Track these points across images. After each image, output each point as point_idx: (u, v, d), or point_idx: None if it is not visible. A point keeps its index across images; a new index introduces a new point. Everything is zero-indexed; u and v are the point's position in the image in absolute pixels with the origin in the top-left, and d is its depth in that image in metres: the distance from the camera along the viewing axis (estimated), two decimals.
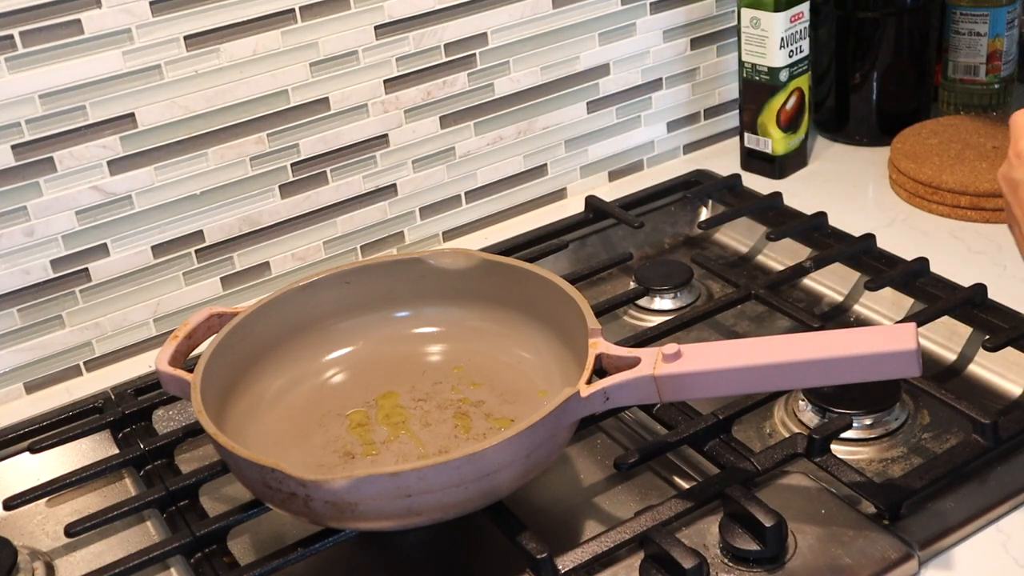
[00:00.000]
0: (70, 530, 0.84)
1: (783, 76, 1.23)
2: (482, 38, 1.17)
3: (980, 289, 0.98)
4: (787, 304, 1.01)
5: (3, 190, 0.99)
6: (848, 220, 1.15)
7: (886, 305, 1.04)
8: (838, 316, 1.06)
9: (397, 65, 1.13)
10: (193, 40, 1.03)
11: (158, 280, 1.09)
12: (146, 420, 0.98)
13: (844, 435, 0.86)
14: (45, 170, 1.00)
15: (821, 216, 1.13)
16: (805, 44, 1.24)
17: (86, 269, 1.05)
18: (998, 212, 1.13)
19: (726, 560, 0.76)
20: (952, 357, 0.97)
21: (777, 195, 1.18)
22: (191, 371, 0.83)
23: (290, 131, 1.10)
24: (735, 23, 1.31)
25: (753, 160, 1.30)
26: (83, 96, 1.00)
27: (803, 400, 0.90)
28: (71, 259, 1.04)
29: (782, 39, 1.21)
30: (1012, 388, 0.93)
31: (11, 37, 0.95)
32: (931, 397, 0.88)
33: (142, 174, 1.05)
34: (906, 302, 1.03)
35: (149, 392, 1.00)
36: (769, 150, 1.27)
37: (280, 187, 1.12)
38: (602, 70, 1.26)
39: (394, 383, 0.93)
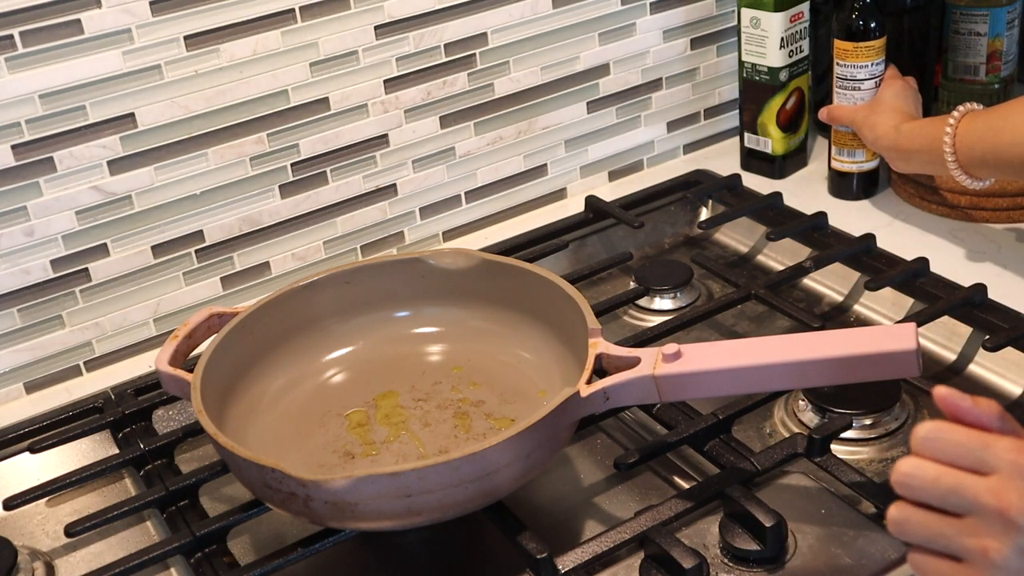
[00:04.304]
0: (70, 530, 0.84)
1: (783, 76, 1.23)
2: (482, 38, 1.17)
3: (980, 289, 0.98)
4: (787, 304, 1.01)
5: (3, 190, 0.99)
6: (848, 220, 1.15)
7: (886, 305, 1.04)
8: (838, 316, 1.06)
9: (397, 65, 1.13)
10: (193, 40, 1.03)
11: (158, 280, 1.09)
12: (146, 420, 0.98)
13: (844, 435, 0.86)
14: (45, 170, 1.00)
15: (821, 216, 1.13)
16: (805, 44, 1.24)
17: (86, 269, 1.05)
18: (998, 212, 1.13)
19: (726, 560, 0.76)
20: (952, 357, 0.97)
21: (777, 195, 1.18)
22: (191, 371, 0.83)
23: (290, 131, 1.10)
24: (735, 23, 1.31)
25: (753, 160, 1.30)
26: (83, 96, 1.00)
27: (803, 400, 0.90)
28: (71, 259, 1.04)
29: (782, 39, 1.21)
30: (1012, 388, 0.93)
31: (11, 37, 0.95)
32: (931, 397, 0.87)
33: (142, 174, 1.05)
34: (906, 302, 1.03)
35: (149, 392, 1.00)
36: (769, 150, 1.27)
37: (280, 187, 1.12)
38: (602, 70, 1.26)
39: (394, 383, 0.93)
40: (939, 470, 0.59)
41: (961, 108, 1.02)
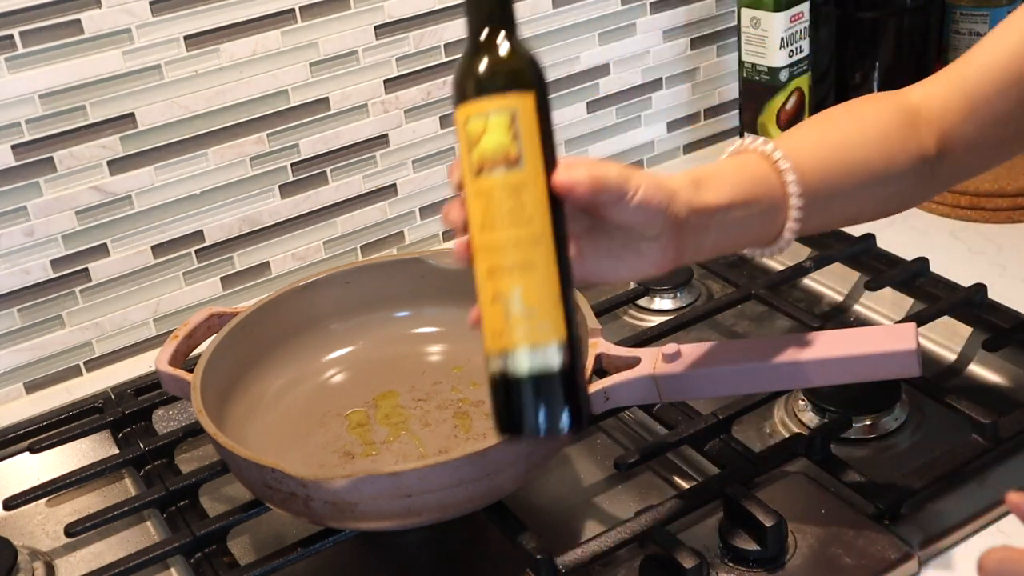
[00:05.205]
0: (70, 530, 0.84)
1: (783, 76, 1.23)
2: None
3: (980, 289, 0.98)
4: (787, 304, 1.01)
5: (3, 190, 0.99)
6: None
7: (886, 305, 1.04)
8: (838, 316, 1.05)
9: (397, 65, 1.13)
10: (193, 40, 1.03)
11: (158, 280, 1.09)
12: (146, 420, 0.98)
13: (844, 435, 0.86)
14: (45, 170, 1.00)
15: None
16: (805, 44, 1.24)
17: (86, 269, 1.05)
18: (998, 212, 1.13)
19: (726, 560, 0.76)
20: (952, 357, 0.97)
21: None
22: (191, 371, 0.83)
23: (290, 131, 1.10)
24: (735, 23, 1.31)
25: None
26: (83, 96, 1.00)
27: (803, 400, 0.90)
28: (71, 259, 1.04)
29: (782, 39, 1.21)
30: (1012, 388, 0.93)
31: (11, 37, 0.95)
32: (931, 397, 0.88)
33: (142, 174, 1.05)
34: (906, 302, 1.03)
35: (149, 392, 1.00)
36: None
37: (280, 187, 1.12)
38: (602, 70, 1.26)
39: (394, 383, 0.93)
40: None
41: (755, 138, 0.75)
